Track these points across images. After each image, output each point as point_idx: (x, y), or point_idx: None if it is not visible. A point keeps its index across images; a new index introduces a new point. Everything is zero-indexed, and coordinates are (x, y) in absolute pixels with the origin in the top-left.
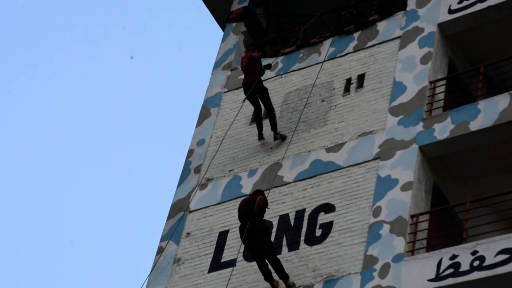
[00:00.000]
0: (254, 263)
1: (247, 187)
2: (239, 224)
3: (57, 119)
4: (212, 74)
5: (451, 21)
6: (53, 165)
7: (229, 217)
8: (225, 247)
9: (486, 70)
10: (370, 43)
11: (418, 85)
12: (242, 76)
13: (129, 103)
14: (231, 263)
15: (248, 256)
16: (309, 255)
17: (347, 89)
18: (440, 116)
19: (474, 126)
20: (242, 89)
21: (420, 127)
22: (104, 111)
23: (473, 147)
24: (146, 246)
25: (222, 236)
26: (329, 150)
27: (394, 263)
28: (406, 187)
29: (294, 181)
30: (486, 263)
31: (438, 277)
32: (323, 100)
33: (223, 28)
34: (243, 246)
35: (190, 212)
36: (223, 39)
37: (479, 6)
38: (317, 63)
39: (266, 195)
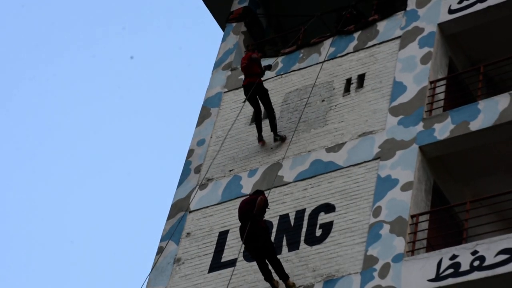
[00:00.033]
0: (254, 263)
1: (247, 187)
2: (239, 224)
3: (57, 119)
4: (212, 74)
5: (451, 21)
6: (53, 165)
7: (229, 217)
8: (225, 247)
9: (486, 70)
10: (370, 43)
11: (418, 85)
12: (242, 76)
13: (129, 103)
14: (231, 263)
15: (248, 256)
16: (309, 255)
17: (347, 89)
18: (440, 116)
19: (474, 126)
20: (242, 89)
21: (420, 127)
22: (104, 111)
23: (473, 147)
24: (146, 246)
25: (222, 236)
26: (329, 150)
27: (394, 263)
28: (406, 187)
29: (294, 181)
30: (486, 263)
31: (438, 277)
32: (323, 100)
33: (223, 28)
34: (243, 246)
35: (190, 212)
36: (223, 39)
37: (479, 6)
38: (317, 63)
39: (266, 195)
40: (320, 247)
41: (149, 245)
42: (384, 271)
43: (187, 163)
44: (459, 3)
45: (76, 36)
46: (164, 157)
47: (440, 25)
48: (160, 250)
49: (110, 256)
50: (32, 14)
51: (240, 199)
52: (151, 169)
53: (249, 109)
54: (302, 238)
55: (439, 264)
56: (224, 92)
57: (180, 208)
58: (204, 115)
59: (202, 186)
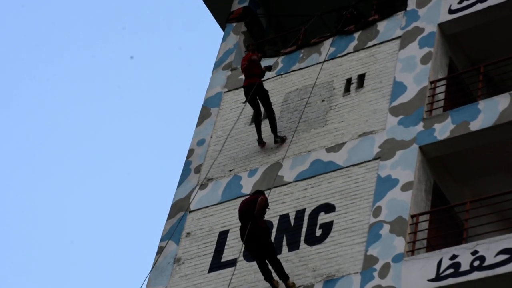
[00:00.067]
0: (254, 263)
1: (247, 187)
2: (240, 224)
3: (57, 119)
4: (212, 74)
5: (451, 21)
6: (53, 165)
7: (229, 217)
8: (225, 247)
9: (486, 70)
10: (370, 43)
11: (418, 85)
12: (243, 77)
13: (129, 103)
14: (231, 263)
15: (248, 256)
16: (309, 255)
17: (347, 89)
18: (440, 116)
19: (474, 126)
20: (242, 89)
21: (420, 127)
22: (104, 111)
23: (473, 147)
24: (146, 246)
25: (222, 236)
26: (329, 150)
27: (394, 263)
28: (406, 187)
29: (294, 181)
30: (486, 263)
31: (438, 277)
32: (323, 100)
33: (223, 28)
34: (243, 246)
35: (190, 212)
36: (223, 39)
37: (479, 6)
38: (317, 63)
39: (266, 195)
40: (320, 247)
41: (149, 245)
42: (384, 271)
43: (187, 163)
44: (459, 3)
45: (76, 36)
46: (164, 157)
47: (440, 25)
48: (160, 250)
49: (110, 256)
50: (32, 14)
51: (240, 199)
52: (151, 169)
53: (249, 109)
54: (302, 238)
55: (439, 264)
56: (224, 92)
57: (180, 208)
58: (204, 115)
59: (202, 186)
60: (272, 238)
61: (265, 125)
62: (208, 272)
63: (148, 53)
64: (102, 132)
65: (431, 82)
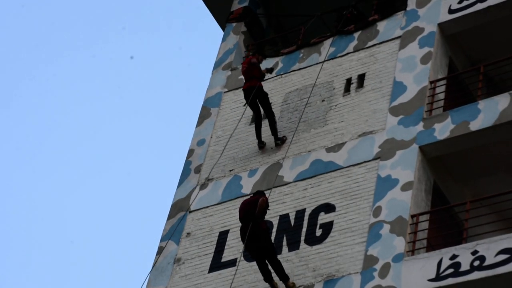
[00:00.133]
0: (254, 263)
1: (247, 187)
2: (240, 224)
3: (57, 119)
4: (212, 74)
5: (451, 21)
6: (53, 165)
7: (229, 217)
8: (225, 247)
9: (486, 70)
10: (370, 43)
11: (418, 85)
12: (243, 77)
13: (129, 103)
14: (231, 263)
15: (248, 256)
16: (309, 255)
17: (347, 89)
18: (440, 116)
19: (474, 126)
20: (242, 89)
21: (420, 127)
22: (104, 111)
23: (473, 147)
24: (146, 246)
25: (222, 236)
26: (329, 150)
27: (394, 263)
28: (406, 187)
29: (295, 181)
30: (486, 263)
31: (438, 277)
32: (323, 100)
33: (223, 28)
34: (243, 246)
35: (190, 212)
36: (223, 39)
37: (479, 6)
38: (317, 63)
39: (266, 195)
40: (320, 247)
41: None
42: (384, 271)
43: (187, 163)
44: (459, 3)
45: (76, 36)
46: (164, 157)
47: (440, 25)
48: (160, 250)
49: (110, 256)
50: (32, 14)
51: (240, 199)
52: (151, 169)
53: (249, 109)
54: (302, 238)
55: (439, 264)
56: (224, 92)
57: (180, 208)
58: (204, 115)
59: (202, 186)
60: (272, 238)
61: (265, 125)
62: (208, 272)
63: (148, 53)
64: (102, 132)
65: (431, 82)
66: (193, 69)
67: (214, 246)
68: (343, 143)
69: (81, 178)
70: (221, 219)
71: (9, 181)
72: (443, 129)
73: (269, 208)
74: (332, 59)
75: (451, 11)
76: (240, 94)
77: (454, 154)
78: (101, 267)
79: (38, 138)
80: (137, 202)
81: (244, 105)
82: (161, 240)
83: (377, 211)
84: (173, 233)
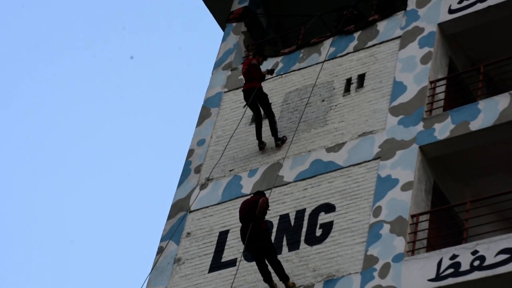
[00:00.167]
0: (254, 263)
1: (247, 187)
2: (240, 224)
3: (57, 119)
4: (212, 74)
5: (451, 21)
6: (53, 165)
7: (229, 217)
8: (225, 247)
9: (486, 70)
10: (370, 43)
11: (418, 85)
12: (242, 77)
13: (129, 103)
14: (231, 263)
15: (248, 256)
16: (309, 255)
17: (347, 89)
18: (440, 116)
19: (474, 126)
20: (242, 88)
21: (420, 127)
22: (104, 111)
23: (473, 147)
24: (146, 246)
25: (222, 236)
26: (329, 150)
27: (394, 263)
28: (406, 187)
29: (295, 181)
30: (486, 263)
31: (438, 277)
32: (323, 100)
33: (223, 28)
34: (243, 246)
35: (190, 212)
36: (223, 39)
37: (479, 6)
38: (317, 63)
39: (266, 195)
40: (320, 247)
41: (149, 245)
42: (384, 271)
43: (187, 163)
44: (459, 3)
45: (76, 36)
46: (164, 157)
47: (440, 25)
48: (160, 250)
49: (110, 256)
50: (32, 14)
51: (240, 199)
52: (151, 169)
53: (249, 109)
54: (302, 238)
55: (439, 264)
56: (224, 92)
57: (180, 208)
58: (204, 115)
59: (202, 186)
60: (272, 238)
61: (265, 125)
62: (208, 272)
63: (148, 53)
64: (102, 132)
65: (431, 82)
66: (193, 69)
67: (214, 246)
68: (343, 143)
69: (81, 178)
70: (221, 219)
71: (9, 181)
72: (443, 129)
73: (269, 208)
74: (332, 59)
75: (451, 11)
76: (240, 94)
77: (454, 154)
78: (101, 267)
79: (38, 138)
80: (137, 202)
81: (244, 106)
82: (161, 240)
83: (377, 211)
84: (173, 233)
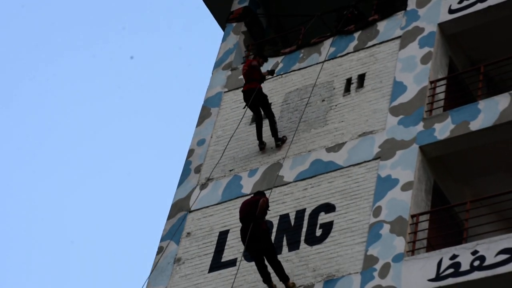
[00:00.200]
0: (254, 263)
1: (247, 187)
2: (240, 224)
3: (57, 119)
4: (212, 74)
5: (451, 21)
6: (53, 165)
7: (229, 217)
8: (226, 247)
9: (486, 70)
10: (370, 43)
11: (418, 85)
12: (243, 77)
13: (129, 103)
14: (232, 263)
15: (248, 256)
16: (309, 255)
17: (347, 89)
18: (440, 116)
19: (474, 126)
20: (242, 88)
21: (420, 127)
22: (104, 111)
23: (473, 147)
24: (146, 246)
25: (223, 236)
26: (329, 150)
27: (394, 263)
28: (406, 187)
29: (295, 181)
30: (486, 263)
31: (438, 277)
32: (323, 100)
33: (223, 28)
34: (243, 246)
35: (191, 212)
36: (223, 39)
37: (479, 6)
38: (317, 63)
39: (267, 195)
40: (320, 247)
41: (149, 245)
42: (384, 271)
43: (187, 163)
44: (459, 3)
45: (76, 36)
46: (164, 157)
47: (440, 25)
48: (160, 250)
49: (110, 256)
50: (32, 14)
51: (240, 199)
52: (151, 169)
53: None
54: (302, 238)
55: (439, 264)
56: (224, 92)
57: (180, 208)
58: (204, 115)
59: (203, 186)
60: (272, 238)
61: (265, 125)
62: (208, 272)
63: (148, 53)
64: (102, 132)
65: (431, 82)
66: (193, 69)
67: (214, 246)
68: (343, 143)
69: (81, 178)
70: (221, 219)
71: (9, 181)
72: (443, 129)
73: (269, 208)
74: (332, 59)
75: (451, 11)
76: (240, 94)
77: (454, 154)
78: (101, 267)
79: (38, 138)
80: (137, 202)
81: (244, 107)
82: (161, 240)
83: (377, 211)
84: (174, 233)
